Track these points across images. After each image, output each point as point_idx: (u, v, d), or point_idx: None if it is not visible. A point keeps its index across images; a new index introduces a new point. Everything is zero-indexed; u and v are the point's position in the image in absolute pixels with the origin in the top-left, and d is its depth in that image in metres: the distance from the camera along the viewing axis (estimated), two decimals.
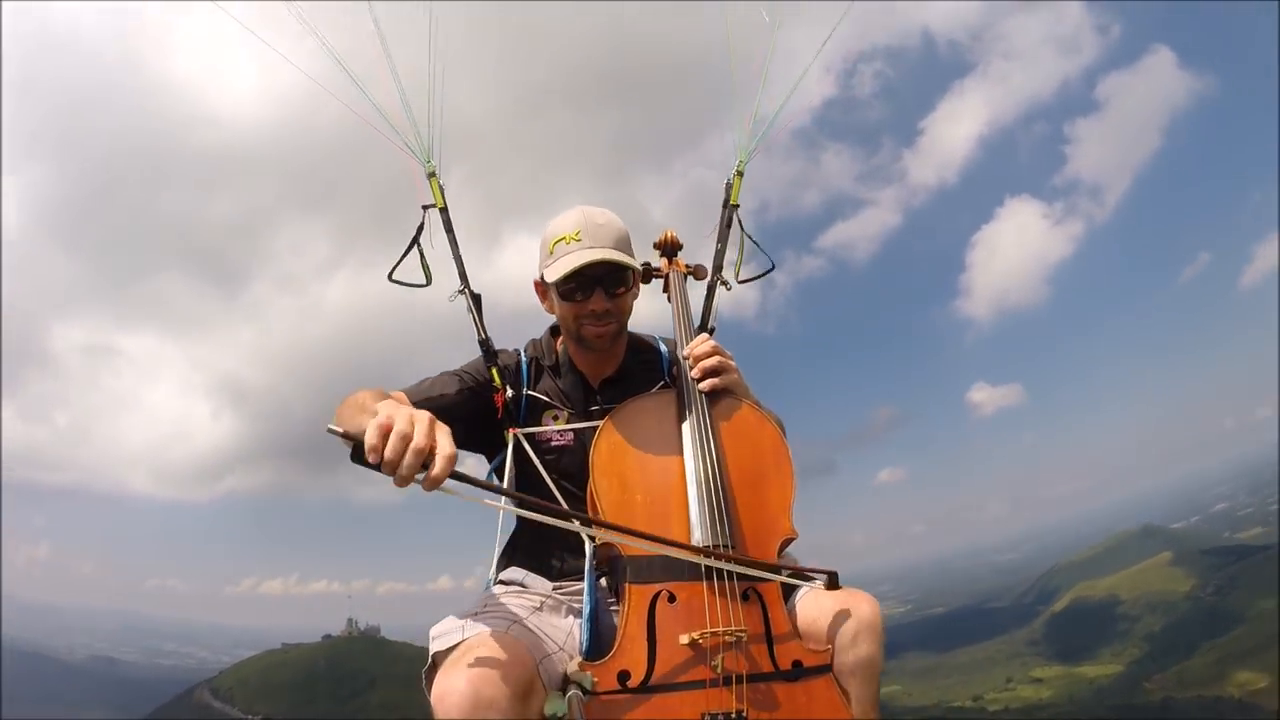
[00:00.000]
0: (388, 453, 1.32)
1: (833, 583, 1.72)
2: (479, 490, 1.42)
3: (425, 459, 1.34)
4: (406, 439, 1.33)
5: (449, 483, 1.37)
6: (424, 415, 1.39)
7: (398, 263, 2.15)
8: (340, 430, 1.36)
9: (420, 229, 2.16)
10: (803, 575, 1.73)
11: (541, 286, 2.05)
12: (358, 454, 1.35)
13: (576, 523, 1.74)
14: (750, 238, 2.36)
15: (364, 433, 1.34)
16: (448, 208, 2.18)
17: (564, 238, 1.91)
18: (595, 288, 1.91)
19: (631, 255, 1.97)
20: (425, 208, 2.18)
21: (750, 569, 1.64)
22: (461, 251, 2.16)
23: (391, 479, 1.34)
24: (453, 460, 1.35)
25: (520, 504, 1.63)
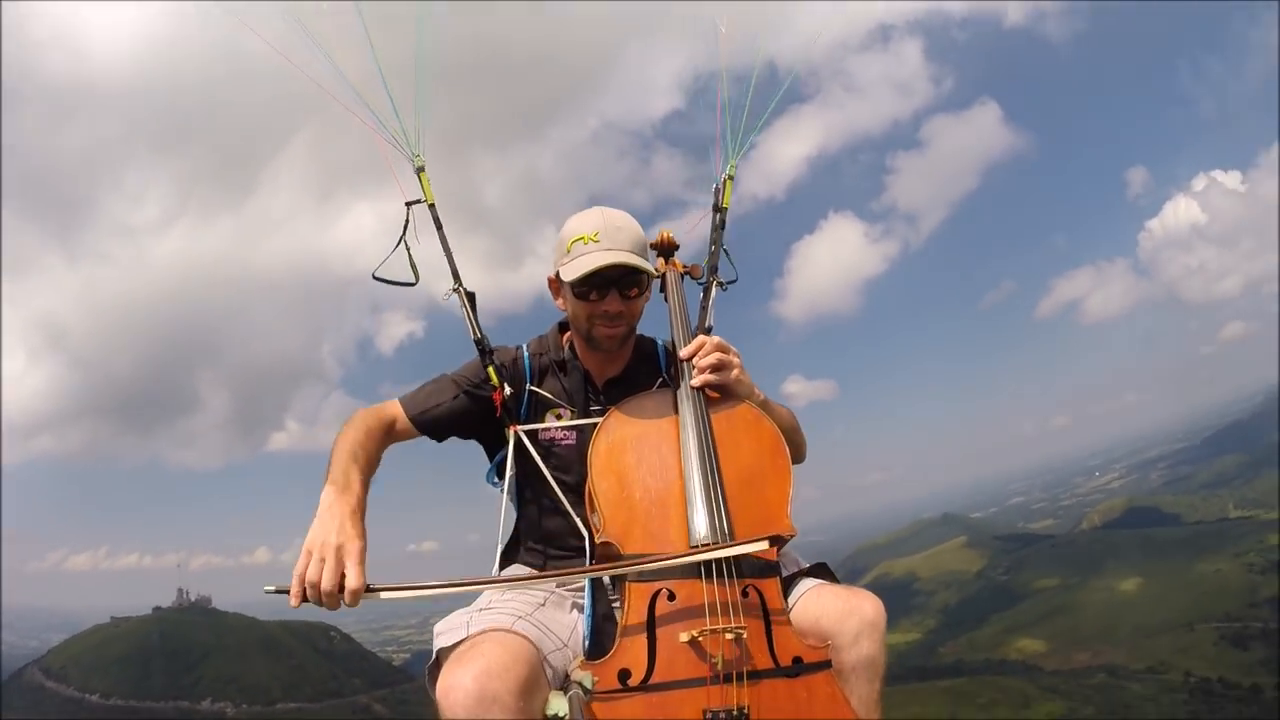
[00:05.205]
0: (309, 597, 1.46)
1: (820, 572, 1.88)
2: (408, 590, 1.49)
3: (339, 593, 1.46)
4: (316, 586, 1.45)
5: (382, 594, 1.48)
6: (333, 547, 1.49)
7: (384, 260, 2.17)
8: (273, 589, 1.47)
9: (406, 226, 2.18)
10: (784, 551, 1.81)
11: (556, 283, 2.07)
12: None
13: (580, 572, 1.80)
14: (725, 249, 2.38)
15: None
16: (435, 204, 2.20)
17: (582, 237, 1.93)
18: (610, 289, 1.94)
19: (647, 259, 2.00)
20: (409, 204, 2.19)
21: (739, 548, 1.64)
22: (451, 247, 2.17)
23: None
24: (358, 593, 1.46)
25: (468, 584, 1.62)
